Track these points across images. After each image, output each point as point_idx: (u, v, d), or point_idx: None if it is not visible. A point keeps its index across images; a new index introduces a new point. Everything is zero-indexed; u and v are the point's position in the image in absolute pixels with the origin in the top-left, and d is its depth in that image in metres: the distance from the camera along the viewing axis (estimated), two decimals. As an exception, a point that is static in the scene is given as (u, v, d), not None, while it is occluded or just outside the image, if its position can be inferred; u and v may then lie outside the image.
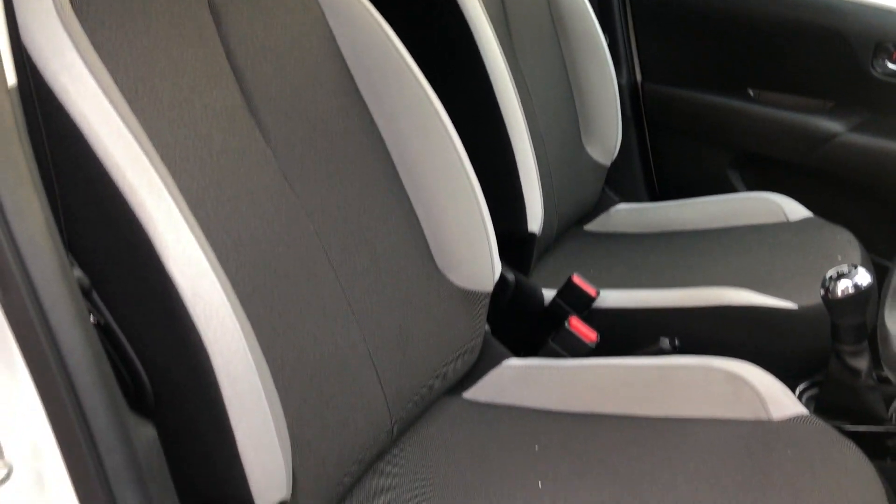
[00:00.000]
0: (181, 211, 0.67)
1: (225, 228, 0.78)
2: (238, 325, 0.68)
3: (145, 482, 0.55)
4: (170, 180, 0.68)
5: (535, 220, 1.32)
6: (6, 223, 0.47)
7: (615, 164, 1.75)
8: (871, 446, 0.88)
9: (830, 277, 0.99)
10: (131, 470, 0.54)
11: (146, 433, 0.57)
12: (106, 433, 0.53)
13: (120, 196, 0.64)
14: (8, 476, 0.52)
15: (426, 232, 1.05)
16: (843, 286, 0.97)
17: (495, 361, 1.15)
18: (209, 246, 0.70)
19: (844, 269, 0.99)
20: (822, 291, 1.00)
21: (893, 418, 1.00)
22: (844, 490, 0.78)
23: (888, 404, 1.01)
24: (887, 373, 0.69)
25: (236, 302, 0.70)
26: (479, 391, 1.11)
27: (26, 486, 0.54)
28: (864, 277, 0.97)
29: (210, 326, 0.66)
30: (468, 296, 1.08)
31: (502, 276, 1.35)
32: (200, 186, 0.77)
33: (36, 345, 0.49)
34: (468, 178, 1.02)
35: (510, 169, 1.29)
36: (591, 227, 1.72)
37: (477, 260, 1.06)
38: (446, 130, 1.01)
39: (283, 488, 0.73)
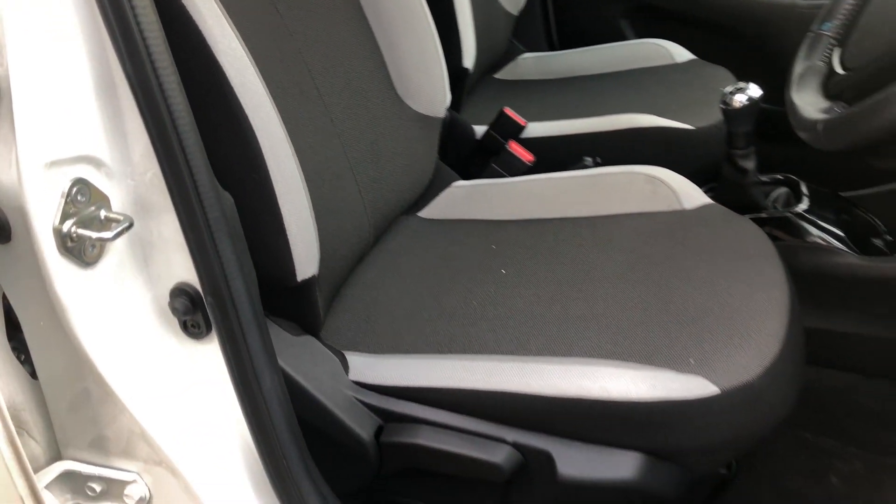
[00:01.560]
0: (219, 8, 0.72)
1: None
2: (277, 116, 0.75)
3: (234, 238, 0.64)
4: None
5: (469, 54, 1.42)
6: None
7: (520, 15, 1.86)
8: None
9: (729, 92, 1.18)
10: (225, 224, 0.63)
11: (228, 198, 0.65)
12: (207, 189, 0.61)
13: None
14: (129, 227, 0.60)
15: (387, 62, 1.14)
16: (740, 98, 1.17)
17: (445, 184, 1.28)
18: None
19: (740, 85, 1.18)
20: (722, 105, 1.19)
21: (770, 207, 1.23)
22: (746, 247, 1.00)
23: (767, 196, 1.24)
24: (798, 133, 0.88)
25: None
26: (433, 210, 1.24)
27: (145, 238, 0.62)
28: (755, 91, 1.17)
29: (258, 115, 0.73)
30: (425, 120, 1.18)
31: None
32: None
33: (154, 105, 0.56)
34: (424, 13, 1.11)
35: (447, 6, 1.37)
36: (500, 75, 1.85)
37: (432, 87, 1.17)
38: None
39: (314, 264, 0.84)
